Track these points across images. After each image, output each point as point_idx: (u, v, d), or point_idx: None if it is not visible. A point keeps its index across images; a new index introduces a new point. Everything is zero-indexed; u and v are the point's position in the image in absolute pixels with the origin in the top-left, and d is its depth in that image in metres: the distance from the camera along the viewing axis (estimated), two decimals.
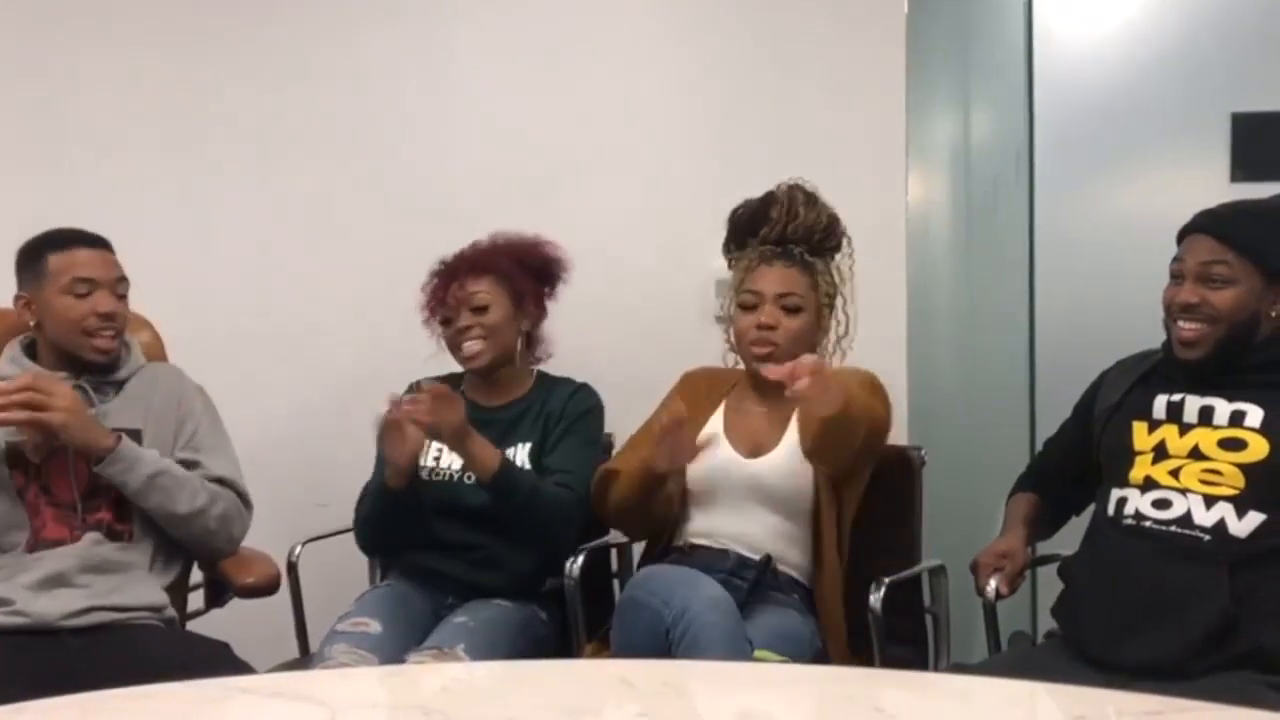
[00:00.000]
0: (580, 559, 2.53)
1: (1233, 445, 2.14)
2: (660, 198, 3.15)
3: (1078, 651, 2.14)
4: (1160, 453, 2.20)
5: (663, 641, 2.16)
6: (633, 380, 2.76)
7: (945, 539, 2.70)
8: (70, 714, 1.69)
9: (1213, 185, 3.17)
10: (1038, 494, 2.52)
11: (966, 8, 3.35)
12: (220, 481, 2.54)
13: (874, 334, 2.67)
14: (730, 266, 2.64)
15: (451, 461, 2.63)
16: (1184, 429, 2.20)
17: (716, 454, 2.52)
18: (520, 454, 2.64)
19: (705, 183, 3.04)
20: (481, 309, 2.65)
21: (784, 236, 2.55)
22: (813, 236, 2.55)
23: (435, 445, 2.65)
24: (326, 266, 3.29)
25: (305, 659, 2.66)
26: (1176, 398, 2.23)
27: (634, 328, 3.10)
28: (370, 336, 3.24)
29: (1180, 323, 2.21)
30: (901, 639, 2.45)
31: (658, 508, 2.52)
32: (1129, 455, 2.23)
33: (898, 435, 2.72)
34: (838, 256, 2.60)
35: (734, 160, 3.06)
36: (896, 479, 2.57)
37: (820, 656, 2.41)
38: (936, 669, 2.50)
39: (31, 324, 2.54)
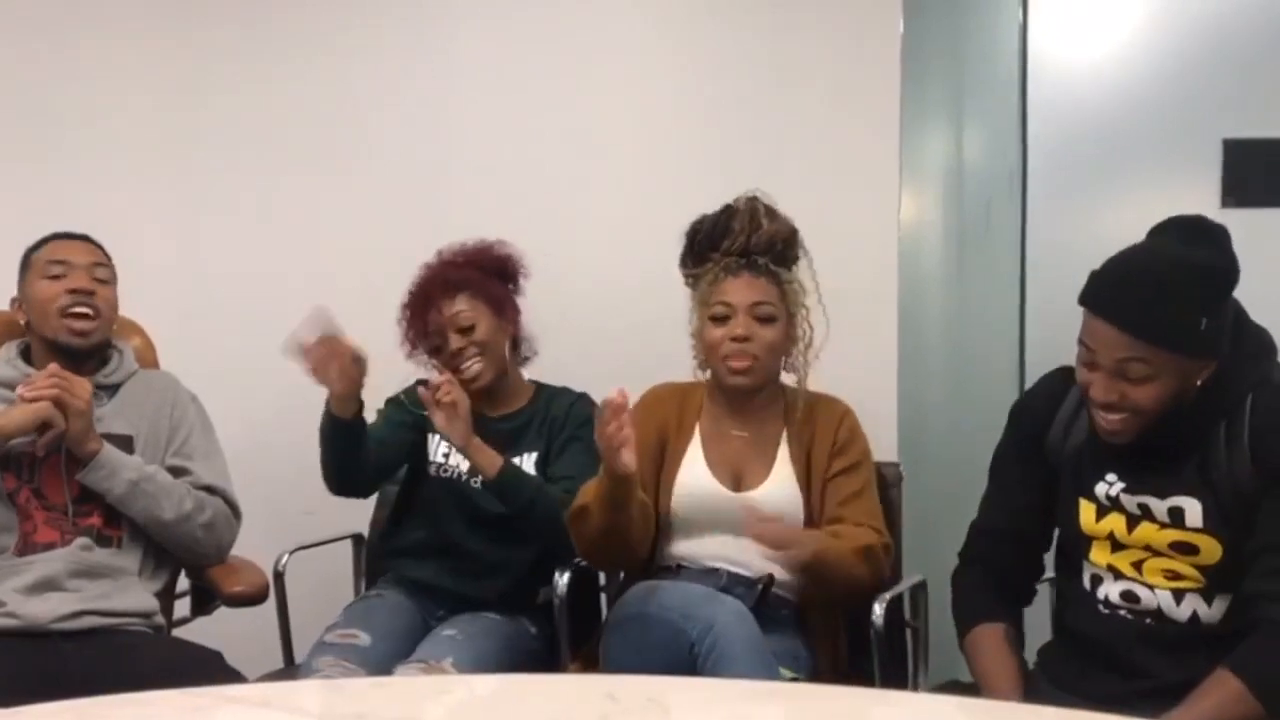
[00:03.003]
0: (567, 574, 2.52)
1: (1185, 549, 2.00)
2: (653, 210, 3.13)
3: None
4: (1115, 543, 2.07)
5: (685, 657, 2.12)
6: (632, 388, 2.76)
7: (932, 555, 2.70)
8: (62, 718, 1.69)
9: (1204, 210, 3.11)
10: (1002, 621, 2.19)
11: (961, 29, 3.36)
12: (209, 490, 2.55)
13: (865, 352, 2.68)
14: (687, 282, 2.61)
15: (459, 461, 2.64)
16: (1131, 521, 2.05)
17: (700, 484, 2.49)
18: (526, 463, 2.64)
19: (699, 197, 3.00)
20: (468, 328, 2.64)
21: (747, 248, 2.52)
22: (775, 247, 2.52)
23: (444, 443, 2.66)
24: (317, 273, 3.28)
25: (290, 668, 2.64)
26: (1114, 492, 2.06)
27: (626, 336, 3.08)
28: (361, 343, 3.23)
29: (1099, 414, 2.00)
30: (882, 653, 2.45)
31: (635, 527, 2.36)
32: (1082, 536, 2.11)
33: (886, 453, 2.72)
34: (795, 268, 2.56)
35: (727, 176, 3.01)
36: (878, 494, 2.54)
37: (813, 673, 2.40)
38: (915, 683, 2.50)
39: (23, 323, 2.56)
